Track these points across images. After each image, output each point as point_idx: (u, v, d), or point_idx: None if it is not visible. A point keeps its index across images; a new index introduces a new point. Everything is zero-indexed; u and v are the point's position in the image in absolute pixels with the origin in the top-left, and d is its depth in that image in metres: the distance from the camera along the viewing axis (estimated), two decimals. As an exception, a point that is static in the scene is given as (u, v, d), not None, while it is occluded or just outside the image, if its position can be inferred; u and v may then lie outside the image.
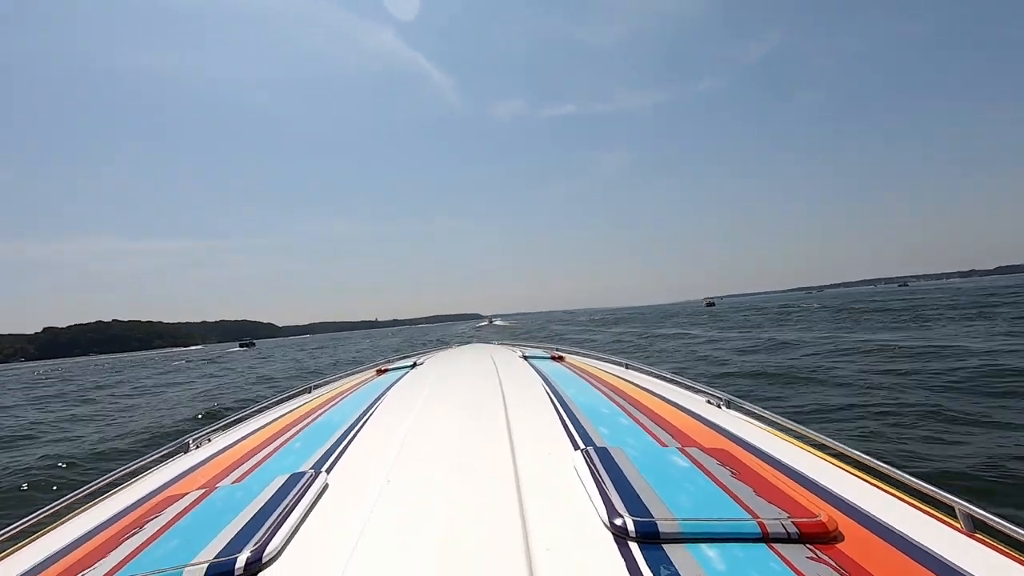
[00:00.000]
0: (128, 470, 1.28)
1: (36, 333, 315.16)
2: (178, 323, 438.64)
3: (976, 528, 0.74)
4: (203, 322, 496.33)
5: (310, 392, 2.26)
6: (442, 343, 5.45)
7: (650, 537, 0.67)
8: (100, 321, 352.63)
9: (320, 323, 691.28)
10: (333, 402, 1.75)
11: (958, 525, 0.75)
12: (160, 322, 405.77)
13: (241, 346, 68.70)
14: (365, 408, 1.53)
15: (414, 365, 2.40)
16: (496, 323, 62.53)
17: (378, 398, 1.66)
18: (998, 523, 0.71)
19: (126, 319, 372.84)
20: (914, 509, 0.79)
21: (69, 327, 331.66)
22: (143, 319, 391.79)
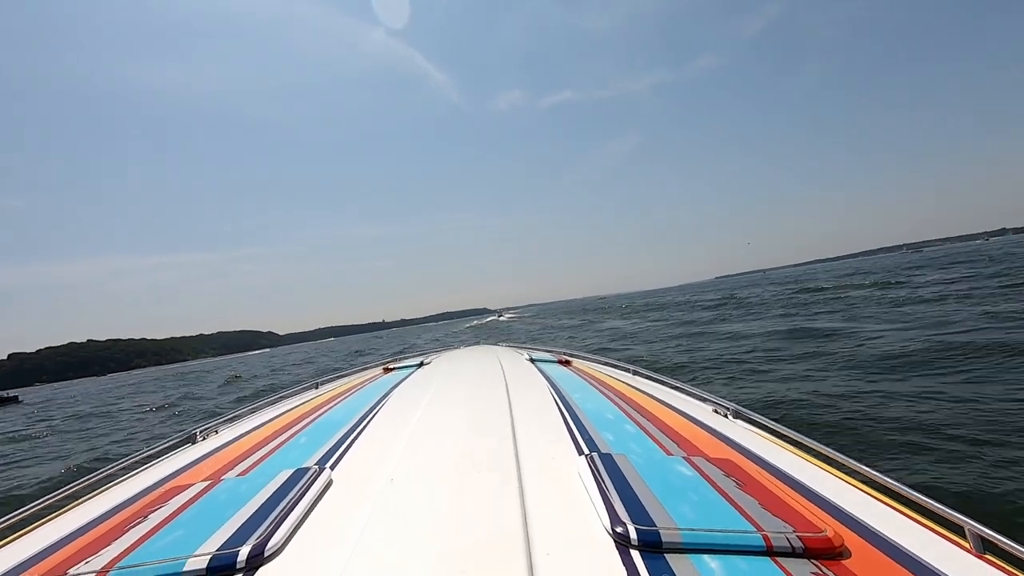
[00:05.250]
0: (135, 459, 1.29)
1: (1, 360, 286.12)
2: (166, 339, 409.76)
3: (986, 549, 0.72)
4: (199, 335, 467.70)
5: (316, 388, 2.25)
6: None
7: (652, 546, 0.67)
8: (72, 343, 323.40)
9: (323, 328, 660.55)
10: (339, 399, 1.75)
11: (967, 546, 0.73)
12: (144, 339, 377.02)
13: None
14: (371, 406, 1.53)
15: (421, 364, 2.41)
16: (504, 318, 55.24)
17: (384, 396, 1.66)
18: (1009, 545, 0.69)
19: (103, 338, 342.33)
20: (922, 528, 0.78)
21: (38, 351, 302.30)
22: (123, 337, 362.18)
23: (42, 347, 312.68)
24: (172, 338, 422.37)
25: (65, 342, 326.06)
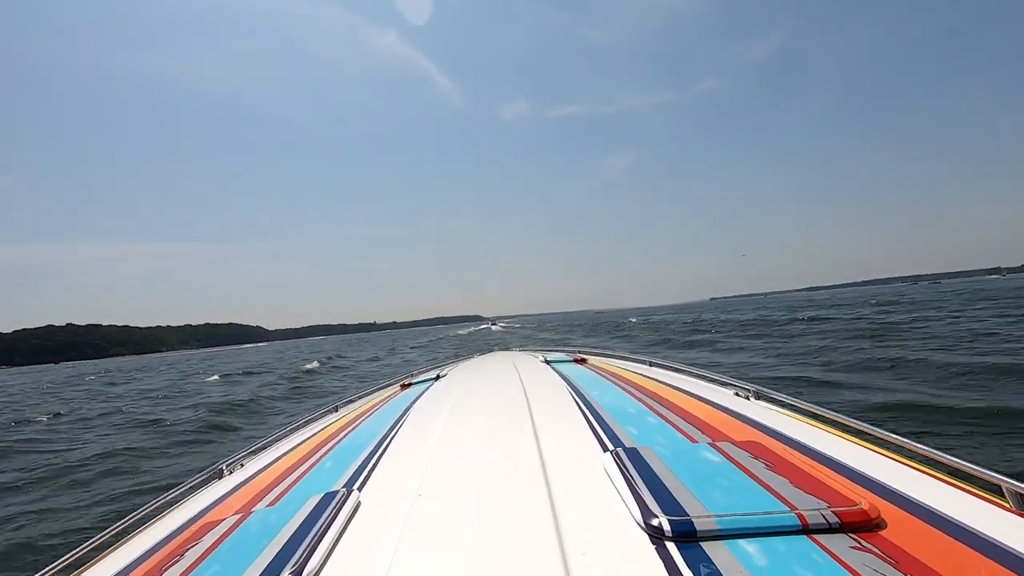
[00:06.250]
0: (165, 499, 1.30)
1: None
2: (150, 327, 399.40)
3: None
4: (186, 326, 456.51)
5: (336, 411, 2.26)
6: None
7: (687, 536, 0.66)
8: (51, 325, 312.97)
9: (313, 326, 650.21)
10: (360, 419, 1.77)
11: (1006, 504, 0.72)
12: (127, 326, 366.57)
13: None
14: (392, 423, 1.54)
15: (437, 377, 2.41)
16: (497, 327, 53.37)
17: (404, 412, 1.67)
18: None
19: (83, 323, 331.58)
20: (958, 490, 0.77)
21: (13, 332, 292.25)
22: (105, 323, 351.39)
23: (19, 328, 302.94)
24: (157, 327, 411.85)
25: (44, 324, 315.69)
